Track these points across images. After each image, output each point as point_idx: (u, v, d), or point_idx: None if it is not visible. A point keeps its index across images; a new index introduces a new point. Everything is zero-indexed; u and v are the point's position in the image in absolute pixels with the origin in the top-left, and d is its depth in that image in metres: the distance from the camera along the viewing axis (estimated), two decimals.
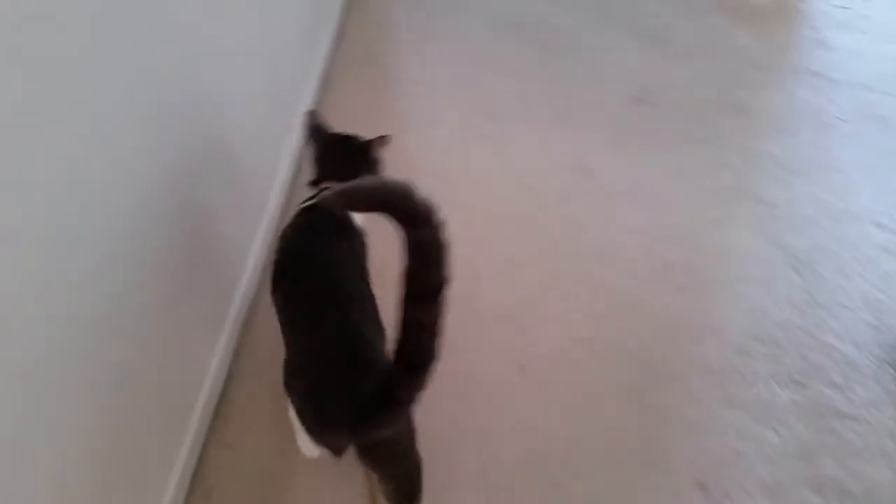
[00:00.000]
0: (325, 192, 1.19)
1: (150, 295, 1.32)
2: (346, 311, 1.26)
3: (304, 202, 1.47)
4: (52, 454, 1.05)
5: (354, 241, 1.45)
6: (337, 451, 1.18)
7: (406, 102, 2.72)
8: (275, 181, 2.15)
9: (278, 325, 1.33)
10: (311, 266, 1.34)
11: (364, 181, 1.08)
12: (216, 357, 1.68)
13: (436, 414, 1.65)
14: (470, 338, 1.83)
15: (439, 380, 1.62)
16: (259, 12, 2.04)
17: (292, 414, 1.38)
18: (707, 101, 2.62)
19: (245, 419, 1.65)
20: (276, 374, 1.30)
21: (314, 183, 1.49)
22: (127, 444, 1.28)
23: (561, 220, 2.16)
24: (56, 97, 1.00)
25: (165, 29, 1.36)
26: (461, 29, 3.14)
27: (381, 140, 1.50)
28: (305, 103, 2.51)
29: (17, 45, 0.90)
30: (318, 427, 1.21)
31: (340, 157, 1.51)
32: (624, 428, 1.63)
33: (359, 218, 1.48)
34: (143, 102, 1.28)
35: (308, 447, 1.51)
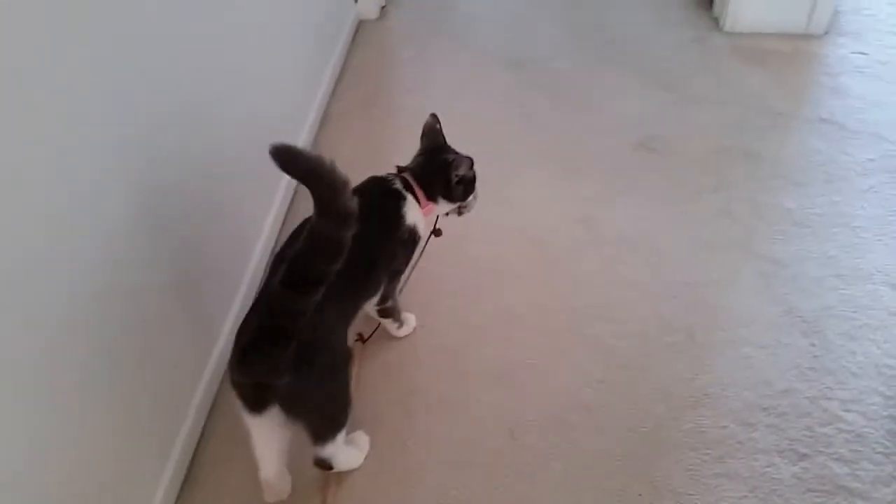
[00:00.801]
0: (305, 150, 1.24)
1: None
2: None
3: (380, 175, 1.66)
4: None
5: (395, 233, 1.61)
6: (242, 396, 1.33)
7: (406, 144, 2.67)
8: (269, 214, 2.15)
9: None
10: None
11: (310, 154, 1.18)
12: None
13: (419, 482, 1.62)
14: (458, 398, 1.78)
15: (425, 444, 1.59)
16: (263, 40, 2.12)
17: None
18: (714, 149, 2.57)
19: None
20: None
21: (399, 168, 1.71)
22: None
23: (562, 274, 2.11)
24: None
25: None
26: (466, 70, 3.14)
27: (460, 163, 1.65)
28: (304, 137, 2.51)
29: None
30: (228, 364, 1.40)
31: (428, 160, 1.72)
32: (618, 501, 1.56)
33: (417, 219, 1.65)
34: (140, 137, 1.38)
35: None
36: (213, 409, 1.77)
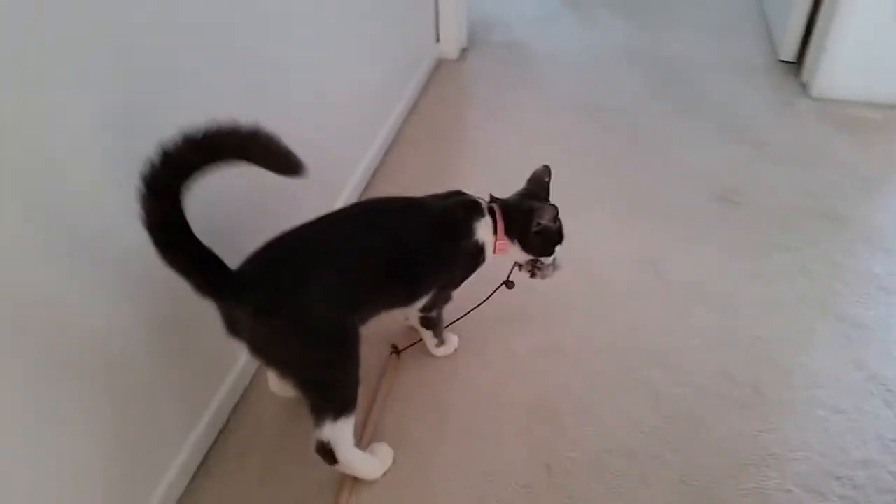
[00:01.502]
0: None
1: None
2: (350, 256, 1.40)
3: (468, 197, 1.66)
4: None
5: (459, 242, 1.59)
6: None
7: (465, 173, 2.64)
8: None
9: None
10: (397, 220, 1.54)
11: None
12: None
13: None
14: (493, 427, 1.66)
15: (451, 469, 1.45)
16: (344, 68, 2.22)
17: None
18: (796, 208, 2.41)
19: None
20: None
21: (491, 196, 1.71)
22: None
23: (619, 314, 1.98)
24: None
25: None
26: (537, 112, 3.10)
27: (544, 211, 1.62)
28: (370, 156, 2.51)
29: None
30: None
31: (520, 200, 1.70)
32: None
33: (487, 239, 1.63)
34: None
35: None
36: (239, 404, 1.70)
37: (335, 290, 1.36)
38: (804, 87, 3.23)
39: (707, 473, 1.55)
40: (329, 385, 1.41)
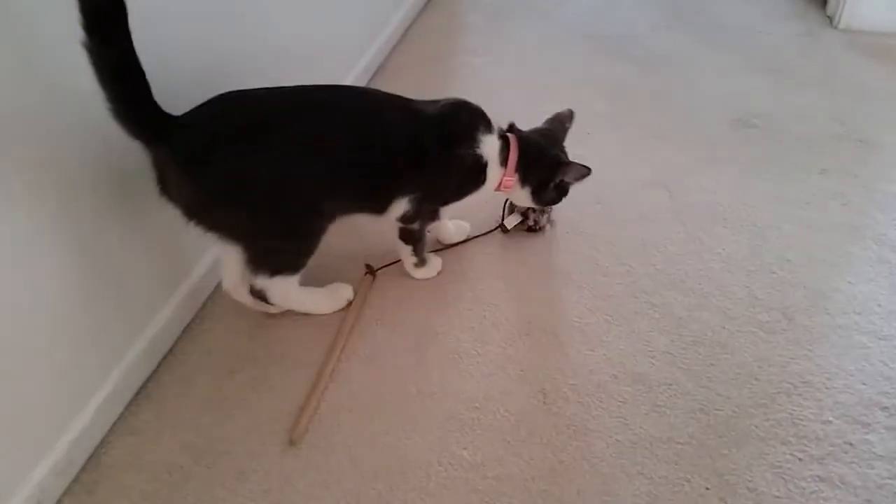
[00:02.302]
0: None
1: None
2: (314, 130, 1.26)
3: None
4: None
5: (455, 149, 1.40)
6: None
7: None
8: None
9: None
10: (378, 109, 1.37)
11: None
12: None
13: (417, 434, 1.27)
14: (482, 351, 1.45)
15: (433, 394, 1.26)
16: None
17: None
18: (823, 133, 2.17)
19: None
20: None
21: (511, 126, 1.53)
22: None
23: (631, 237, 1.75)
24: None
25: None
26: (543, 39, 2.87)
27: (572, 170, 1.53)
28: (349, 81, 2.28)
29: None
30: None
31: (543, 143, 1.55)
32: (676, 493, 1.17)
33: (490, 156, 1.46)
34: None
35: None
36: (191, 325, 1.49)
37: (286, 161, 1.23)
38: (830, 19, 2.99)
39: (730, 403, 1.33)
40: (268, 250, 1.34)
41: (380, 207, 1.42)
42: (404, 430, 1.29)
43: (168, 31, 1.28)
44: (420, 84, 2.48)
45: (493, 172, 1.48)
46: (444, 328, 1.50)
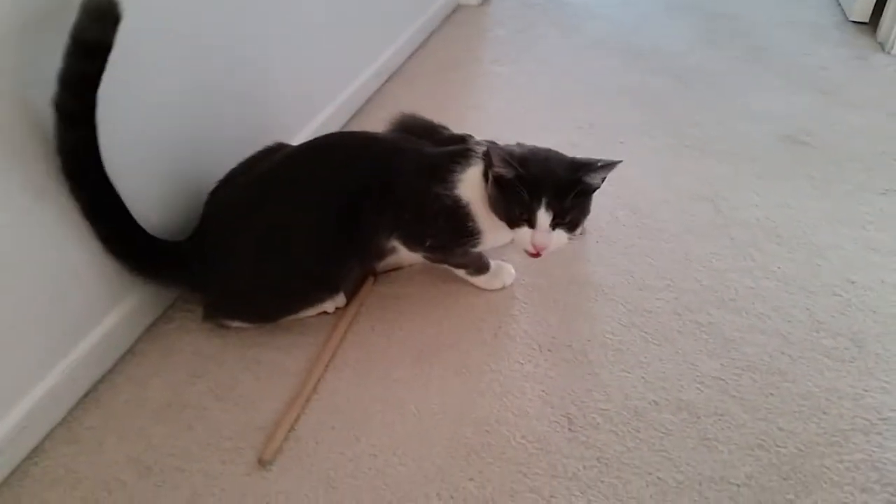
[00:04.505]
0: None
1: None
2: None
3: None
4: None
5: (430, 188, 1.23)
6: None
7: (478, 106, 2.24)
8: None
9: None
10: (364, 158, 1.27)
11: None
12: None
13: (422, 458, 1.06)
14: (498, 366, 1.25)
15: (437, 413, 1.06)
16: None
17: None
18: (881, 152, 1.97)
19: None
20: None
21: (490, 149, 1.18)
22: None
23: (673, 251, 1.56)
24: None
25: None
26: (571, 52, 2.70)
27: (598, 167, 1.16)
28: (355, 86, 2.15)
29: None
30: None
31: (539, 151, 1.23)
32: None
33: (471, 197, 1.23)
34: None
35: None
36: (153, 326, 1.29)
37: (299, 250, 1.23)
38: (881, 45, 2.82)
39: (794, 439, 1.11)
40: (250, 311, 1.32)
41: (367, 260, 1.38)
42: (397, 455, 1.08)
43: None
44: (435, 91, 2.33)
45: (477, 194, 1.26)
46: (452, 341, 1.30)
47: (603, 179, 1.17)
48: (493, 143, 1.25)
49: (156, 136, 1.25)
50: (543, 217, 1.13)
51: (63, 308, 1.09)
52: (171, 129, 1.29)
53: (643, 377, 1.22)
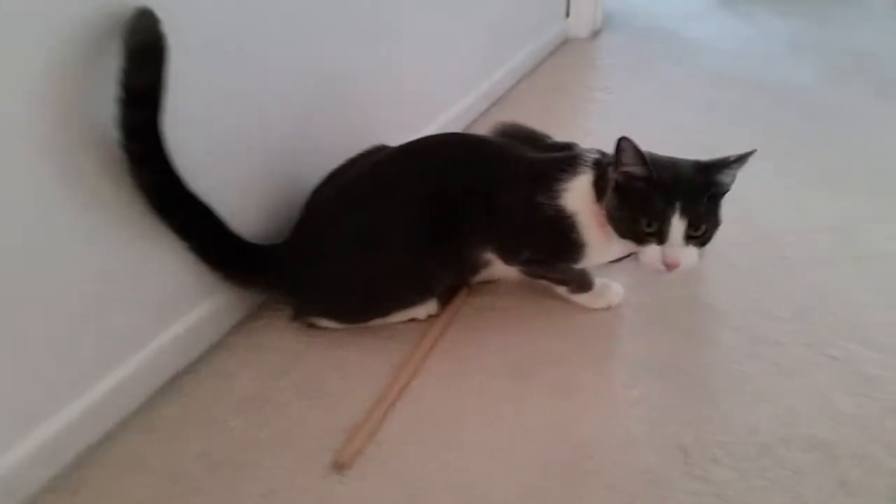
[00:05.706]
0: None
1: None
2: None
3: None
4: None
5: (532, 197, 1.16)
6: None
7: (583, 129, 2.16)
8: None
9: None
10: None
11: None
12: None
13: (512, 476, 0.97)
14: (601, 388, 1.14)
15: (537, 437, 0.97)
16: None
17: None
18: None
19: None
20: None
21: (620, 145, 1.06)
22: None
23: (803, 280, 1.42)
24: None
25: None
26: (685, 80, 2.62)
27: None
28: (473, 108, 2.17)
29: None
30: None
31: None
32: None
33: (578, 208, 1.15)
34: None
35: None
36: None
37: (354, 260, 1.18)
38: None
39: None
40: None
41: (467, 272, 1.34)
42: (487, 468, 0.98)
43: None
44: (541, 114, 2.27)
45: (586, 206, 1.18)
46: (551, 358, 1.20)
47: (733, 180, 1.06)
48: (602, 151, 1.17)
49: (258, 146, 1.25)
50: (678, 226, 1.03)
51: (147, 295, 1.07)
52: (273, 142, 1.30)
53: (771, 412, 1.08)
